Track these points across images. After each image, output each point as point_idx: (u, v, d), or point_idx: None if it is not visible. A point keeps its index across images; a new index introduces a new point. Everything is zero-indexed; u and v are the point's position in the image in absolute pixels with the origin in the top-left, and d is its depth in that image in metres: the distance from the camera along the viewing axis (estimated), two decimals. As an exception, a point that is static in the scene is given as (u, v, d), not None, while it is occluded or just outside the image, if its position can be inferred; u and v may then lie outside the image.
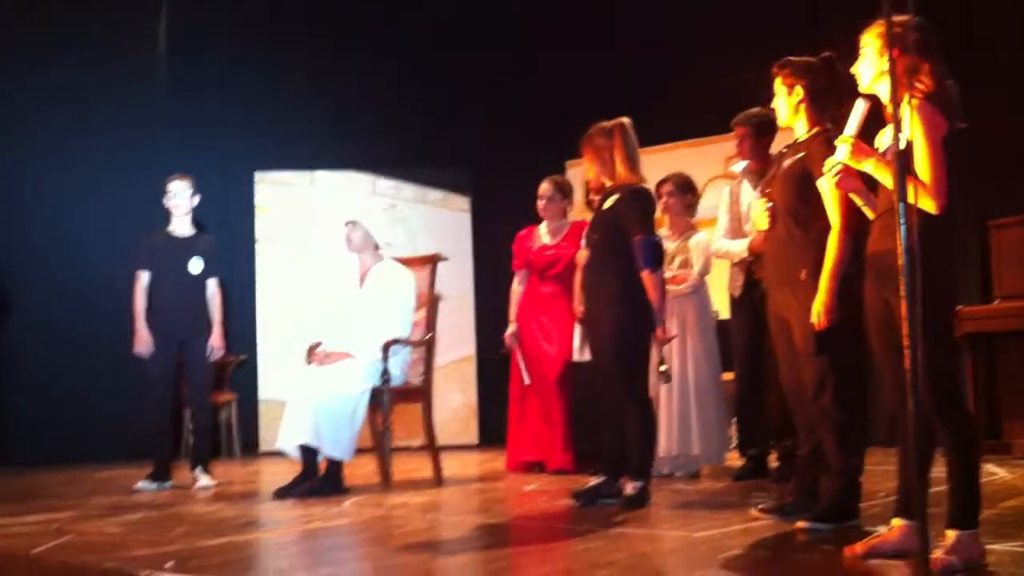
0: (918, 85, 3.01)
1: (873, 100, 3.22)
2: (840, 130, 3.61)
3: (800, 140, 3.93)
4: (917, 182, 2.93)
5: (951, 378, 3.05)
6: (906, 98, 2.91)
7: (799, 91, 3.90)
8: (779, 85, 3.96)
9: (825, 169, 3.22)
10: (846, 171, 3.16)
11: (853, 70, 3.29)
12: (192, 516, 4.65)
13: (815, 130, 3.89)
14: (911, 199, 2.84)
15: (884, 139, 3.20)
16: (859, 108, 3.17)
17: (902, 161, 2.66)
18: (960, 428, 2.98)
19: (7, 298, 6.93)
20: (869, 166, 3.09)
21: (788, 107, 3.95)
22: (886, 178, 3.02)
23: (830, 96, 3.87)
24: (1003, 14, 6.90)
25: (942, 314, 3.00)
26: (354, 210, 6.21)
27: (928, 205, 2.95)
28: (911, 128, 2.94)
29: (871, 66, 3.20)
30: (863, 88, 3.26)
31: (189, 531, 4.13)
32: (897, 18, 2.99)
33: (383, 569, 3.39)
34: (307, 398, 5.29)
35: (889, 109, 3.07)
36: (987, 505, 3.33)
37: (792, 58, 3.97)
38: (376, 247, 5.85)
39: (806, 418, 3.91)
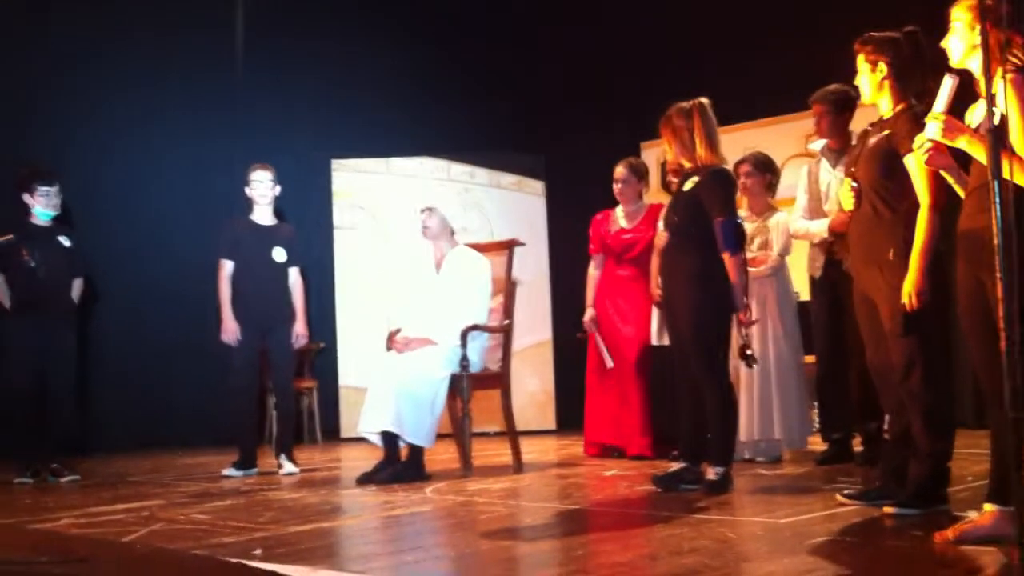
0: (1011, 59, 2.93)
1: (962, 75, 3.14)
2: (926, 106, 3.54)
3: (885, 118, 3.85)
4: (1014, 157, 2.86)
5: None
6: (999, 72, 2.84)
7: (883, 67, 3.82)
8: (862, 62, 3.88)
9: (915, 146, 3.15)
10: (936, 148, 3.09)
11: (943, 44, 3.21)
12: (278, 502, 4.72)
13: (900, 107, 3.80)
14: (1006, 175, 2.78)
15: (976, 114, 3.12)
16: (948, 84, 3.09)
17: (996, 136, 2.58)
18: None
19: (94, 286, 7.09)
20: (963, 142, 3.01)
21: (872, 84, 3.86)
22: (980, 154, 2.94)
23: (915, 72, 3.79)
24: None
25: None
26: (429, 196, 6.23)
27: (1021, 179, 2.88)
28: (1006, 102, 2.87)
29: (962, 40, 3.12)
30: (954, 63, 3.19)
31: (275, 518, 4.19)
32: None
33: (467, 555, 3.41)
34: (388, 385, 5.33)
35: (981, 84, 2.99)
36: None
37: (874, 33, 3.88)
38: (452, 233, 5.86)
39: (893, 400, 3.85)
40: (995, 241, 2.51)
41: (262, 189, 6.21)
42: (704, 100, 4.73)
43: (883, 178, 3.77)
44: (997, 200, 2.47)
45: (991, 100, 2.67)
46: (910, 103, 3.78)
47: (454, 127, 9.36)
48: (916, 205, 3.63)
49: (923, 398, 3.66)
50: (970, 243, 3.05)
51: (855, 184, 3.85)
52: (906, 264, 3.59)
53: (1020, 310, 2.84)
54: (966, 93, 3.15)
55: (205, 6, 8.73)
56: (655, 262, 4.92)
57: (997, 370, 2.61)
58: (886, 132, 3.79)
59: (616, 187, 6.36)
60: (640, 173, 6.38)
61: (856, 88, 4.04)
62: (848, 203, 3.88)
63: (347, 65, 9.30)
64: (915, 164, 3.59)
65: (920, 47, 3.79)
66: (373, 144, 9.12)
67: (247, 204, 6.31)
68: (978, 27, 2.96)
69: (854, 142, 5.34)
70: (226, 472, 5.98)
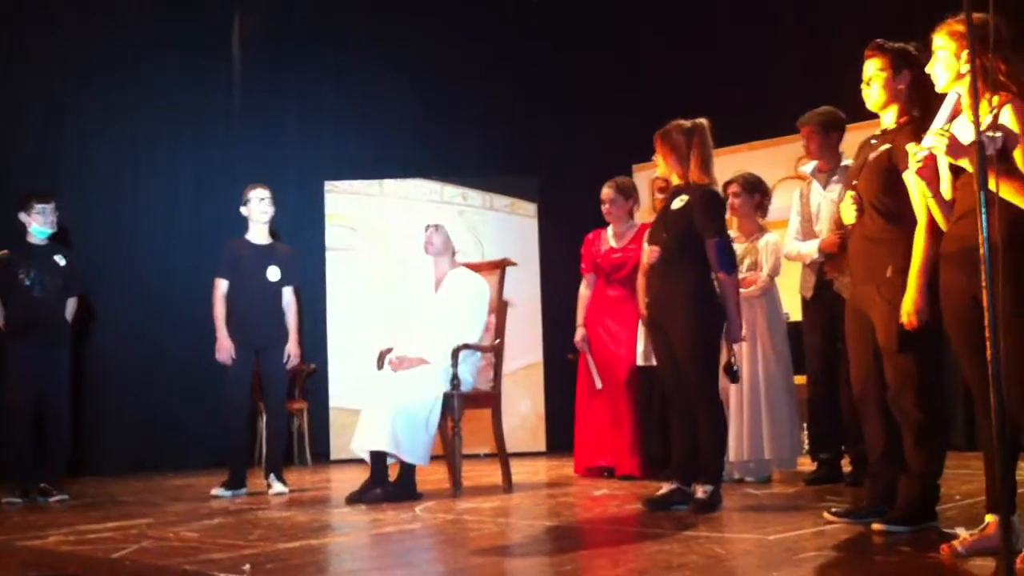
0: (1003, 82, 2.99)
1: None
2: (928, 122, 3.55)
3: (888, 130, 3.85)
4: (1014, 180, 2.91)
5: None
6: (991, 97, 2.92)
7: (894, 77, 3.80)
8: (878, 69, 3.83)
9: (910, 153, 3.17)
10: (930, 160, 3.11)
11: (928, 70, 3.24)
12: (267, 521, 4.71)
13: (904, 119, 3.80)
14: (1009, 197, 2.85)
15: (956, 131, 3.14)
16: (951, 100, 3.12)
17: (983, 155, 2.62)
18: None
19: (90, 305, 7.10)
20: (966, 163, 3.04)
21: (888, 92, 3.82)
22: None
23: (922, 86, 3.71)
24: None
25: None
26: (422, 218, 6.24)
27: (1021, 202, 2.92)
28: (1010, 126, 2.92)
29: (947, 68, 3.16)
30: (939, 89, 3.22)
31: (264, 535, 4.18)
32: (964, 19, 2.96)
33: (456, 571, 3.41)
34: (384, 404, 5.33)
35: (966, 107, 3.05)
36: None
37: (887, 42, 3.84)
38: (454, 253, 5.88)
39: (877, 418, 3.85)
40: (981, 251, 2.53)
41: (262, 207, 6.23)
42: (704, 121, 4.75)
43: (883, 194, 3.75)
44: (983, 211, 2.49)
45: (977, 121, 2.69)
46: (912, 116, 3.79)
47: (448, 149, 9.41)
48: (915, 222, 3.61)
49: (916, 416, 3.67)
50: (970, 259, 3.06)
51: (856, 196, 3.84)
52: (904, 282, 3.58)
53: (1014, 326, 2.89)
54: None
55: (200, 29, 8.76)
56: (641, 280, 4.92)
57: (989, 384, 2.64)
58: (886, 147, 3.78)
59: (604, 207, 6.39)
60: (627, 192, 6.39)
61: (839, 107, 4.06)
62: (849, 217, 3.87)
63: (341, 87, 9.35)
64: (913, 180, 3.61)
65: (924, 64, 3.80)
66: (366, 166, 9.15)
67: (244, 225, 6.32)
68: (963, 54, 3.00)
69: (844, 162, 5.40)
70: (215, 492, 5.97)
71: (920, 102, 3.79)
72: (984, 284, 2.53)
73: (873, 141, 3.92)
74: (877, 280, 3.74)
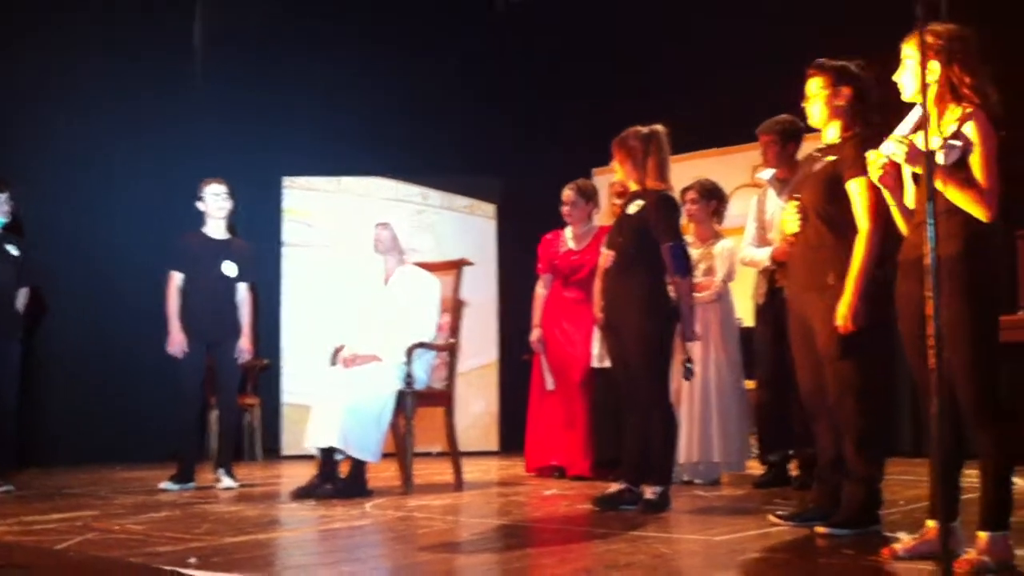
0: (967, 94, 3.04)
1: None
2: (874, 135, 3.63)
3: (832, 143, 3.92)
4: (971, 190, 2.96)
5: (991, 383, 3.06)
6: (952, 108, 2.97)
7: (835, 94, 3.88)
8: (818, 87, 3.93)
9: (869, 161, 3.21)
10: (891, 168, 3.16)
11: (895, 79, 3.29)
12: (215, 515, 4.69)
13: (848, 134, 3.88)
14: (966, 206, 2.89)
15: (919, 140, 3.19)
16: (916, 111, 3.17)
17: (931, 163, 2.67)
18: (995, 432, 3.00)
19: (42, 298, 7.02)
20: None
21: (828, 110, 3.91)
22: (940, 183, 3.00)
23: (864, 101, 3.87)
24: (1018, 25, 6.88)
25: (988, 320, 3.04)
26: (381, 216, 6.23)
27: (979, 212, 2.98)
28: (971, 137, 2.98)
29: (915, 77, 3.21)
30: (906, 98, 3.27)
31: (211, 529, 4.16)
32: (938, 27, 3.02)
33: (404, 567, 3.41)
34: (335, 400, 5.32)
35: (932, 117, 3.10)
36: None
37: (827, 61, 3.94)
38: (402, 252, 5.87)
39: (825, 424, 3.91)
40: (926, 261, 2.57)
41: (218, 202, 6.19)
42: (661, 128, 4.81)
43: (827, 203, 3.83)
44: (931, 221, 2.53)
45: (926, 130, 2.74)
46: (855, 131, 3.87)
47: (408, 148, 9.38)
48: (856, 231, 3.71)
49: (856, 422, 3.73)
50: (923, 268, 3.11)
51: (800, 207, 3.90)
52: (844, 288, 3.66)
53: (969, 335, 2.95)
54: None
55: (158, 23, 8.68)
56: (598, 284, 4.95)
57: (944, 393, 2.69)
58: (831, 158, 3.86)
59: (564, 209, 6.42)
60: (588, 195, 6.43)
61: (801, 116, 4.12)
62: (792, 226, 3.93)
63: (301, 83, 9.30)
64: (857, 188, 3.69)
65: (870, 79, 3.89)
66: (325, 163, 9.11)
67: (201, 219, 6.28)
68: (930, 64, 3.06)
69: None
70: (163, 485, 5.92)
71: (861, 116, 3.89)
72: (929, 294, 2.57)
73: (816, 154, 4.00)
74: (819, 287, 3.80)
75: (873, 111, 3.90)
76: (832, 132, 3.94)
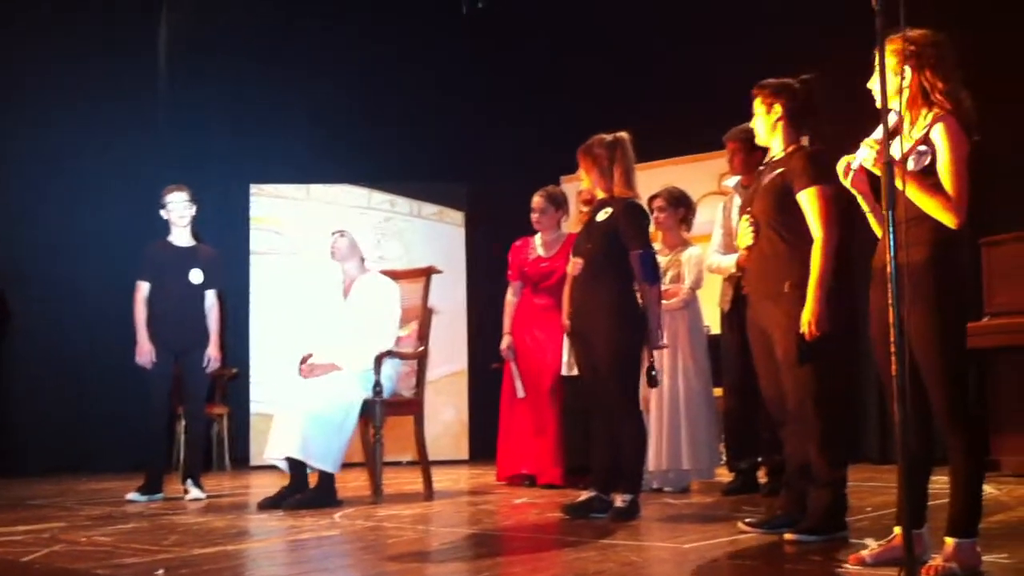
0: (938, 99, 3.07)
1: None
2: (818, 148, 3.70)
3: (778, 157, 3.99)
4: (939, 196, 2.99)
5: (961, 389, 3.09)
6: (924, 114, 2.99)
7: (778, 110, 3.98)
8: (758, 104, 4.05)
9: (839, 168, 3.24)
10: (861, 172, 3.19)
11: (868, 86, 3.31)
12: (183, 526, 4.66)
13: (792, 147, 3.97)
14: (934, 213, 2.93)
15: (895, 151, 3.22)
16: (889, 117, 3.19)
17: (891, 170, 2.69)
18: (967, 438, 3.03)
19: (6, 306, 6.95)
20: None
21: (767, 126, 4.03)
22: (909, 190, 3.03)
23: (807, 116, 4.00)
24: (990, 30, 6.96)
25: (956, 326, 3.07)
26: (349, 224, 6.22)
27: (947, 219, 3.00)
28: (939, 143, 3.00)
29: (887, 83, 3.23)
30: (879, 105, 3.29)
31: (179, 540, 4.13)
32: (912, 33, 3.04)
33: (373, 577, 3.40)
34: (296, 410, 5.29)
35: (904, 123, 3.13)
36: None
37: (770, 80, 4.05)
38: (362, 259, 5.86)
39: (792, 431, 3.94)
40: (888, 269, 2.60)
41: (179, 210, 6.15)
42: (625, 135, 4.83)
43: (778, 213, 3.90)
44: (891, 227, 2.56)
45: (890, 136, 2.77)
46: (800, 144, 3.97)
47: (376, 155, 9.38)
48: (810, 240, 3.78)
49: (817, 428, 3.77)
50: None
51: (752, 220, 3.97)
52: (801, 295, 3.72)
53: (937, 342, 2.98)
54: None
55: (125, 30, 8.65)
56: (567, 290, 4.97)
57: (913, 401, 2.72)
58: (780, 171, 3.93)
59: (534, 216, 6.42)
60: (558, 202, 6.44)
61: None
62: (745, 239, 4.01)
63: (268, 90, 9.27)
64: (808, 198, 3.77)
65: (812, 93, 3.99)
66: (293, 170, 9.08)
67: (167, 227, 6.24)
68: (902, 71, 3.09)
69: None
70: (130, 496, 5.87)
71: (799, 129, 3.99)
72: (891, 301, 2.59)
73: (763, 168, 4.09)
74: (774, 295, 3.86)
75: (820, 124, 3.98)
76: (776, 146, 4.02)
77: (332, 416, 5.33)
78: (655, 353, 4.81)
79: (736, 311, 5.55)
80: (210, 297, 6.20)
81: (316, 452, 5.26)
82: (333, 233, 5.84)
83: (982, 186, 3.12)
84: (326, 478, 5.37)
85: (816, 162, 3.80)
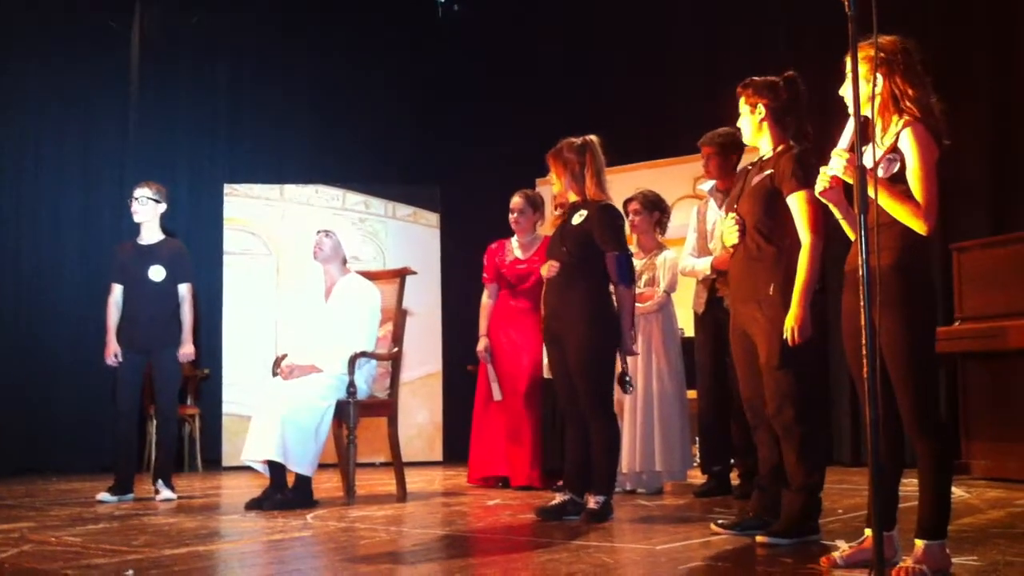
0: (908, 106, 3.09)
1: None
2: (805, 147, 3.71)
3: (766, 158, 3.98)
4: (908, 202, 3.01)
5: (929, 393, 3.12)
6: (896, 121, 3.03)
7: (762, 110, 3.96)
8: (743, 104, 4.03)
9: (820, 178, 3.25)
10: (834, 182, 3.20)
11: (840, 93, 3.33)
12: (153, 527, 4.62)
13: (780, 147, 3.94)
14: (904, 219, 2.94)
15: (866, 158, 3.24)
16: (851, 124, 3.22)
17: (864, 177, 2.70)
18: (935, 441, 3.05)
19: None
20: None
21: (752, 125, 4.01)
22: (879, 196, 3.05)
23: (792, 115, 3.96)
24: (959, 39, 7.04)
25: (924, 331, 3.10)
26: (323, 225, 6.19)
27: (917, 226, 3.03)
28: (907, 150, 3.02)
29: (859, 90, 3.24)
30: (851, 111, 3.31)
31: (150, 541, 4.11)
32: (882, 40, 3.06)
33: (344, 579, 3.39)
34: (274, 412, 5.27)
35: (875, 129, 3.14)
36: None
37: (755, 78, 4.03)
38: (344, 261, 5.83)
39: (767, 434, 3.95)
40: (860, 272, 2.62)
41: (136, 207, 6.09)
42: (594, 137, 4.83)
43: (765, 216, 3.88)
44: (863, 234, 2.58)
45: (863, 142, 2.79)
46: (789, 144, 3.93)
47: (350, 156, 9.37)
48: (796, 243, 3.77)
49: (796, 432, 3.77)
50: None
51: (738, 219, 3.96)
52: (785, 300, 3.72)
53: (906, 347, 3.00)
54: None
55: (99, 28, 8.60)
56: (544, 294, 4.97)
57: (885, 404, 2.73)
58: (768, 172, 3.91)
59: (512, 217, 6.41)
60: (536, 204, 6.44)
61: (736, 129, 4.18)
62: (731, 238, 3.99)
63: (242, 90, 9.25)
64: (796, 202, 3.75)
65: (798, 91, 3.97)
66: (267, 171, 9.05)
67: (137, 227, 6.20)
68: (872, 77, 3.10)
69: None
70: (100, 497, 5.83)
71: (785, 128, 3.97)
72: (862, 304, 2.61)
73: (750, 167, 4.08)
74: (759, 298, 3.85)
75: (803, 122, 3.98)
76: (764, 146, 4.01)
77: (310, 419, 5.32)
78: (628, 359, 4.81)
79: (710, 314, 5.58)
80: (182, 290, 6.13)
81: (294, 455, 5.25)
82: (319, 232, 5.79)
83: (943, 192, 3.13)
84: (304, 479, 5.36)
85: (804, 164, 3.77)
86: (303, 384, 5.42)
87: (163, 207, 6.15)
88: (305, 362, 5.54)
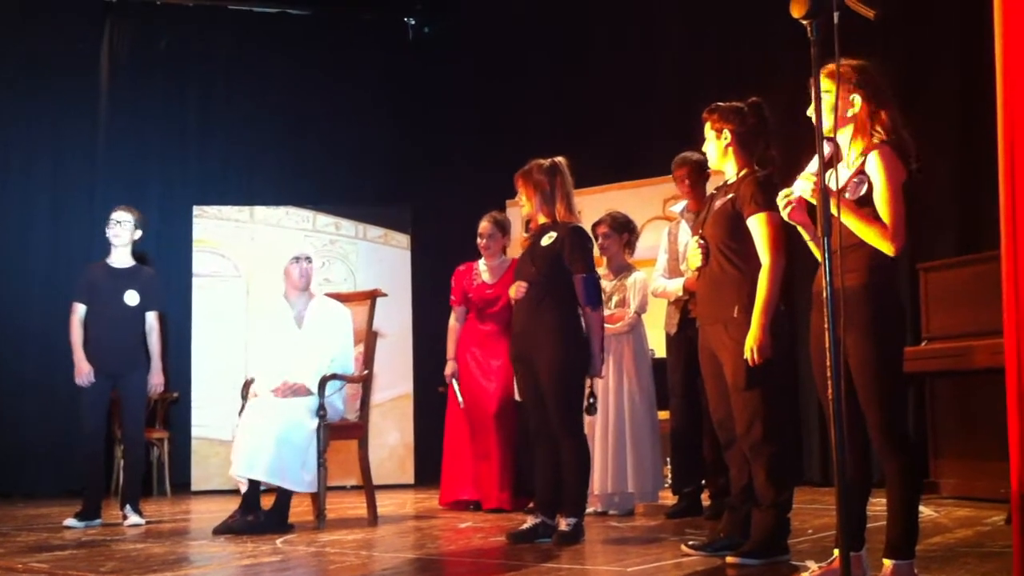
0: (877, 129, 3.12)
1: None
2: (769, 172, 3.75)
3: (730, 182, 4.02)
4: (876, 223, 3.04)
5: (896, 412, 3.14)
6: (863, 142, 3.05)
7: (727, 134, 4.00)
8: (708, 129, 4.07)
9: (779, 200, 3.27)
10: (799, 204, 3.22)
11: (808, 113, 3.35)
12: (121, 553, 4.58)
13: (744, 171, 3.98)
14: (872, 241, 2.97)
15: (833, 181, 3.26)
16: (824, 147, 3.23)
17: (826, 198, 2.73)
18: (903, 461, 3.07)
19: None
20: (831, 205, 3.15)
21: (718, 150, 4.05)
22: (847, 217, 3.07)
23: (758, 140, 4.00)
24: (924, 61, 7.12)
25: (891, 351, 3.12)
26: (293, 246, 6.17)
27: (885, 247, 3.06)
28: (874, 172, 3.05)
29: (828, 111, 3.27)
30: (827, 130, 3.33)
31: (117, 567, 4.07)
32: (852, 61, 3.09)
33: (314, 604, 3.36)
34: (267, 431, 5.24)
35: (843, 152, 3.17)
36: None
37: (720, 103, 4.07)
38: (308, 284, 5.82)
39: (738, 454, 3.97)
40: (824, 294, 2.64)
41: (117, 230, 6.06)
42: (562, 159, 4.85)
43: (729, 238, 3.93)
44: (827, 255, 2.60)
45: (826, 165, 2.81)
46: (753, 168, 3.98)
47: (321, 178, 9.36)
48: (759, 265, 3.81)
49: (765, 451, 3.79)
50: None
51: (703, 242, 4.00)
52: (750, 321, 3.74)
53: (875, 367, 3.02)
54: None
55: (67, 49, 8.56)
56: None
57: (851, 424, 2.75)
58: (731, 196, 3.96)
59: (481, 242, 6.40)
60: (504, 228, 6.44)
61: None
62: (695, 261, 4.03)
63: (211, 112, 9.22)
64: (757, 224, 3.79)
65: (763, 117, 4.01)
66: (237, 192, 9.02)
67: (105, 248, 6.16)
68: (852, 97, 3.14)
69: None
70: (68, 522, 5.76)
71: (752, 153, 3.99)
72: (827, 326, 2.63)
73: (716, 192, 4.13)
74: (724, 320, 3.88)
75: (768, 147, 4.01)
76: (729, 170, 4.05)
77: (301, 439, 5.32)
78: (596, 381, 4.81)
79: (682, 334, 5.59)
80: (150, 319, 6.10)
81: (292, 475, 5.27)
82: (300, 259, 5.73)
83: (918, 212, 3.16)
84: (282, 501, 5.33)
85: (765, 188, 3.81)
86: (294, 405, 5.39)
87: (139, 233, 6.13)
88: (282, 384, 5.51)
